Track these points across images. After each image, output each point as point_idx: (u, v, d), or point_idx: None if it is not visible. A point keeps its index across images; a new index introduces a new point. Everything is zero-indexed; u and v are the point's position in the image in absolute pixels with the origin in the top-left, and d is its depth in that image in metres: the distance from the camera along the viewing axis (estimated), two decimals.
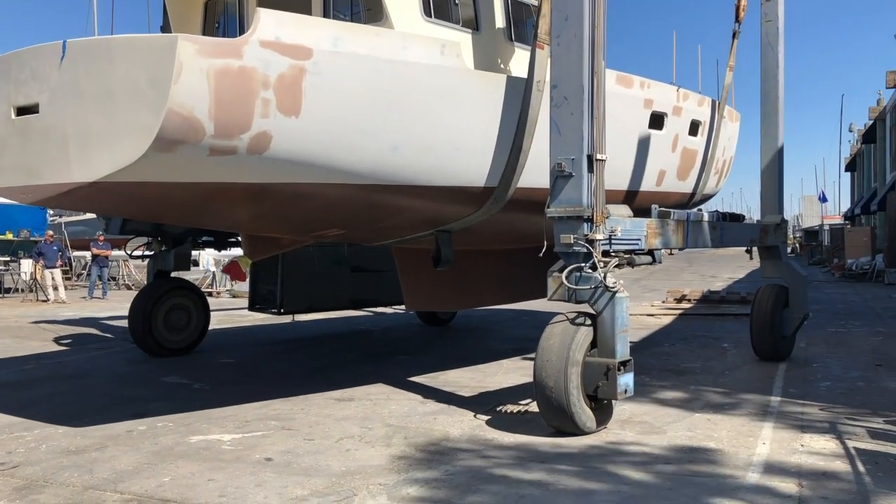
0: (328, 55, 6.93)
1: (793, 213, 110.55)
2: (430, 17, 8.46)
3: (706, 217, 10.84)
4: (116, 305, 21.67)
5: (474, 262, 11.10)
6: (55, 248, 24.31)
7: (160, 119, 6.08)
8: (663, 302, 21.04)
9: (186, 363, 12.16)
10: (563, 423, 7.43)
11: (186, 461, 6.54)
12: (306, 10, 8.61)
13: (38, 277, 25.00)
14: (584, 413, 7.40)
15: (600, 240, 7.76)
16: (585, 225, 7.71)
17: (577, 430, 7.38)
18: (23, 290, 25.91)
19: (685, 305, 20.12)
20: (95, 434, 7.47)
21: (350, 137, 7.25)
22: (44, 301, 23.93)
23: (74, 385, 10.32)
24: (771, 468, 6.30)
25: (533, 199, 8.57)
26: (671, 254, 49.34)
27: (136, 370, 11.72)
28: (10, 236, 27.91)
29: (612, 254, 8.07)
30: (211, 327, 13.92)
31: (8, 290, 26.51)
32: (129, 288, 28.63)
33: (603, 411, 7.74)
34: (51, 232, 26.25)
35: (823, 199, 68.78)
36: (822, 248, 52.51)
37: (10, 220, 27.51)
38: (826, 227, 58.92)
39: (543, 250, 8.02)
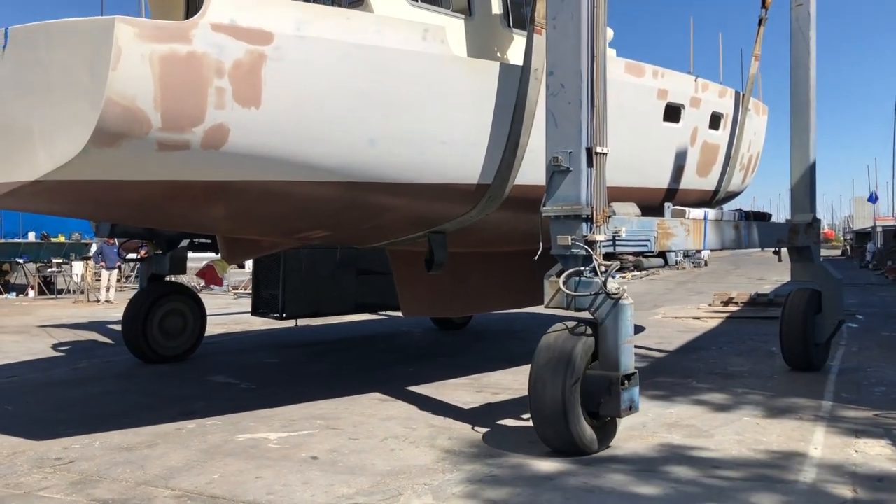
0: (291, 39, 6.27)
1: (843, 216, 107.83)
2: (416, 1, 7.75)
3: (727, 216, 10.03)
4: None
5: (474, 265, 10.40)
6: (115, 250, 24.42)
7: (98, 110, 5.48)
8: (710, 305, 20.89)
9: (232, 363, 12.31)
10: (562, 443, 6.71)
11: (234, 459, 6.67)
12: None
13: (89, 279, 25.37)
14: (584, 432, 6.68)
15: (601, 241, 7.03)
16: (584, 225, 6.99)
17: (577, 451, 6.67)
18: (74, 292, 26.36)
19: (732, 308, 19.84)
20: (146, 432, 7.61)
21: (319, 129, 6.59)
22: (95, 301, 24.21)
23: (123, 384, 10.52)
24: (824, 472, 6.16)
25: (533, 198, 7.83)
26: (698, 263, 48.14)
27: (181, 369, 11.72)
28: (62, 239, 28.37)
29: (617, 256, 7.34)
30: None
31: (60, 292, 26.81)
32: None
33: (605, 430, 7.01)
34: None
35: (874, 199, 66.70)
36: (875, 251, 50.40)
37: (61, 222, 28.03)
38: (879, 229, 57.01)
39: (539, 252, 7.31)
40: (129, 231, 12.16)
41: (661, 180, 10.40)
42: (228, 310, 21.34)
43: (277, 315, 13.87)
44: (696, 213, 9.14)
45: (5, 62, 5.94)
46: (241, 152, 6.25)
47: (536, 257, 7.29)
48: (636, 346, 12.57)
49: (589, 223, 6.99)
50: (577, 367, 6.68)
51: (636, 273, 39.91)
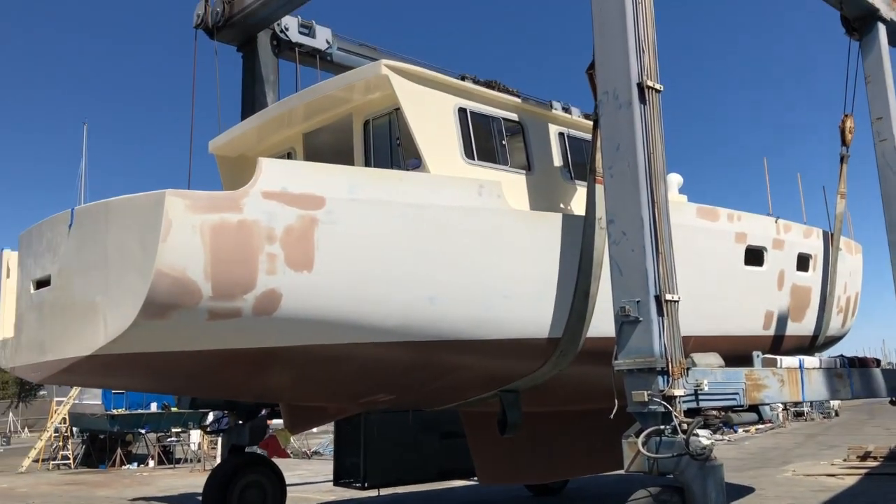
0: (343, 203, 6.35)
1: None
2: (473, 159, 7.84)
3: (827, 363, 9.24)
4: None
5: (554, 426, 9.81)
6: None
7: (148, 282, 5.57)
8: (844, 460, 19.08)
9: None
10: None
11: None
12: (349, 162, 8.27)
13: (206, 447, 25.63)
14: None
15: (680, 396, 6.48)
16: (660, 379, 6.49)
17: None
18: (190, 460, 26.50)
19: (870, 463, 17.99)
20: None
21: (375, 289, 6.51)
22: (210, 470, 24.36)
23: None
24: None
25: (609, 351, 7.41)
26: (823, 411, 44.89)
27: None
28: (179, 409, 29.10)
29: (702, 412, 6.72)
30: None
31: (178, 460, 27.13)
32: (287, 455, 28.66)
33: None
34: None
35: None
36: None
37: None
38: None
39: (615, 411, 6.78)
40: (209, 402, 12.17)
41: (749, 328, 9.76)
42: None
43: (359, 485, 13.34)
44: (789, 361, 8.45)
45: (70, 241, 6.21)
46: (294, 317, 6.19)
47: (612, 416, 6.75)
48: None
49: (665, 377, 6.50)
50: None
51: (760, 426, 37.46)
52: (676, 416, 6.34)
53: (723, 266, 9.31)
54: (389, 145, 8.14)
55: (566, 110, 9.09)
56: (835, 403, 47.06)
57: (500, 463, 9.63)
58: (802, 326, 10.90)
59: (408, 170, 7.62)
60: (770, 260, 10.01)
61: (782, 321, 10.36)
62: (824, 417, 44.64)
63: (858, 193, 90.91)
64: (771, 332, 10.17)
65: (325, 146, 8.89)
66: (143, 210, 5.78)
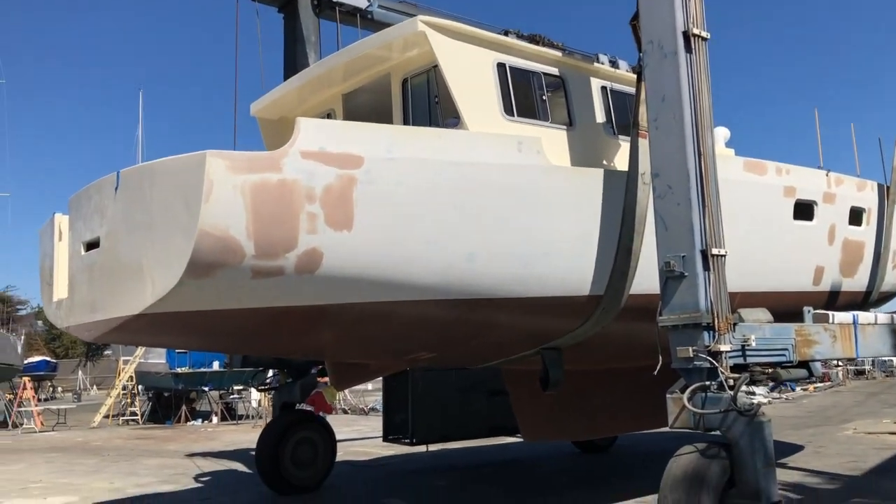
0: (381, 162, 6.33)
1: None
2: (512, 115, 7.73)
3: (883, 319, 8.99)
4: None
5: (598, 384, 9.77)
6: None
7: (192, 242, 5.66)
8: None
9: (403, 485, 12.37)
10: None
11: None
12: (389, 122, 8.23)
13: (267, 404, 26.21)
14: None
15: (727, 351, 6.38)
16: (706, 334, 6.39)
17: None
18: (252, 417, 27.36)
19: None
20: None
21: (415, 248, 6.51)
22: None
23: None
24: None
25: (652, 308, 7.31)
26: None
27: (358, 492, 12.07)
28: None
29: (750, 368, 6.62)
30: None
31: (241, 417, 28.06)
32: (344, 412, 29.45)
33: None
34: None
35: None
36: None
37: None
38: None
39: (659, 367, 6.71)
40: (260, 360, 12.43)
41: (798, 283, 9.54)
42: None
43: (408, 440, 13.55)
44: (842, 316, 8.25)
45: (117, 203, 6.33)
46: (336, 275, 6.24)
47: (656, 372, 6.69)
48: (821, 468, 11.38)
49: (711, 332, 6.39)
50: (711, 497, 5.92)
51: (819, 385, 36.93)
52: (722, 372, 6.25)
53: (771, 221, 9.08)
54: (428, 104, 8.07)
55: (613, 64, 8.87)
56: None
57: (543, 420, 9.65)
58: (855, 282, 10.62)
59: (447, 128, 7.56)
60: (820, 214, 9.72)
61: (833, 277, 10.10)
62: (886, 376, 43.63)
63: None
64: (821, 288, 9.93)
65: (365, 106, 8.86)
66: (185, 171, 5.85)
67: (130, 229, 6.22)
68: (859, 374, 45.26)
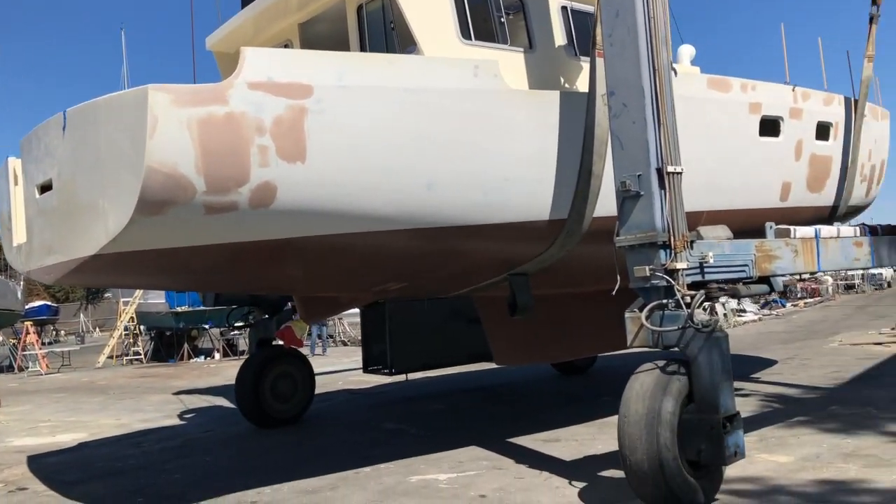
0: (332, 90, 6.19)
1: None
2: (469, 39, 7.56)
3: (846, 232, 9.06)
4: (335, 361, 22.46)
5: (567, 307, 9.85)
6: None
7: (140, 179, 5.55)
8: (892, 329, 19.54)
9: (402, 410, 12.87)
10: (660, 499, 6.01)
11: (408, 498, 7.07)
12: (345, 49, 8.05)
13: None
14: (685, 485, 5.95)
15: (684, 269, 6.41)
16: (662, 252, 6.40)
17: None
18: None
19: None
20: (328, 475, 8.10)
21: (371, 178, 6.43)
22: None
23: (307, 432, 11.23)
24: None
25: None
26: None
27: (357, 418, 12.34)
28: None
29: (708, 285, 6.67)
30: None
31: (242, 352, 27.94)
32: (345, 344, 29.88)
33: (710, 479, 6.24)
34: None
35: None
36: None
37: None
38: None
39: (616, 288, 6.76)
40: (233, 297, 12.44)
41: (765, 200, 9.56)
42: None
43: (387, 371, 13.70)
44: (804, 231, 8.29)
45: (66, 143, 6.21)
46: (292, 209, 6.18)
47: (613, 293, 6.73)
48: (799, 382, 11.61)
49: (667, 250, 6.41)
50: (670, 413, 6.02)
51: (808, 300, 37.40)
52: (679, 290, 6.29)
53: (736, 138, 9.04)
54: (384, 31, 7.87)
55: None
56: (887, 275, 46.35)
57: (515, 345, 9.77)
58: (822, 197, 10.65)
59: None
60: (787, 130, 9.67)
61: (800, 192, 10.12)
62: (876, 289, 44.17)
63: (886, 59, 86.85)
64: (789, 203, 9.96)
65: (322, 36, 8.65)
66: (128, 107, 5.70)
67: (80, 170, 6.11)
68: (849, 288, 45.81)
